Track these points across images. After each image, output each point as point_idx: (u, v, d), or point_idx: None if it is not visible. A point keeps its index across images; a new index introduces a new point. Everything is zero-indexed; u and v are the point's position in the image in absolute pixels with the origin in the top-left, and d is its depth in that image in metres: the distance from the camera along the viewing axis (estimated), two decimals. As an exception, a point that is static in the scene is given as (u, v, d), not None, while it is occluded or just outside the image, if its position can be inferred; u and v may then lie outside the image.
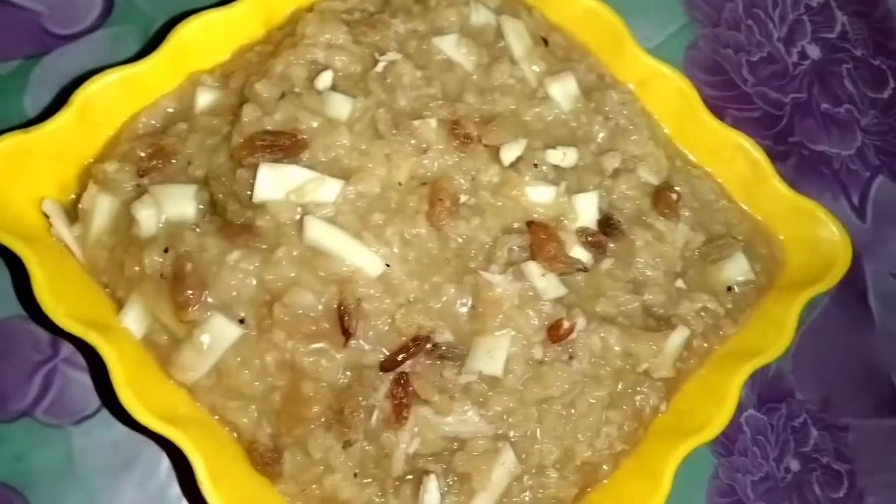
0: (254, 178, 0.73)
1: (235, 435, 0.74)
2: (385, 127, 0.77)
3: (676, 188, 0.87)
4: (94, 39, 0.95)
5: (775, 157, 0.92)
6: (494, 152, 0.81)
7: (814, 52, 1.12)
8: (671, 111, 0.91)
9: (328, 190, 0.74)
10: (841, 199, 1.05)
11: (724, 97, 1.07)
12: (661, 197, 0.85)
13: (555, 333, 0.76)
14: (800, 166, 1.06)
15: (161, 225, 0.75)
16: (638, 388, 0.80)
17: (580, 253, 0.80)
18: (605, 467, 0.78)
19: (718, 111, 0.93)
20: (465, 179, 0.80)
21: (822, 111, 1.09)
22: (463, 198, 0.80)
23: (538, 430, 0.76)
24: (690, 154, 0.93)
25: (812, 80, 1.11)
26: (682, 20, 1.10)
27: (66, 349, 0.83)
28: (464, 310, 0.77)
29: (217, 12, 0.82)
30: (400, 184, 0.78)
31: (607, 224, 0.82)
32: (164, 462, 0.81)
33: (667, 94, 0.90)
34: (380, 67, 0.80)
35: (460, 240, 0.78)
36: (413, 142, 0.78)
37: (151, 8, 0.97)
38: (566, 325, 0.76)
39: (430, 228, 0.77)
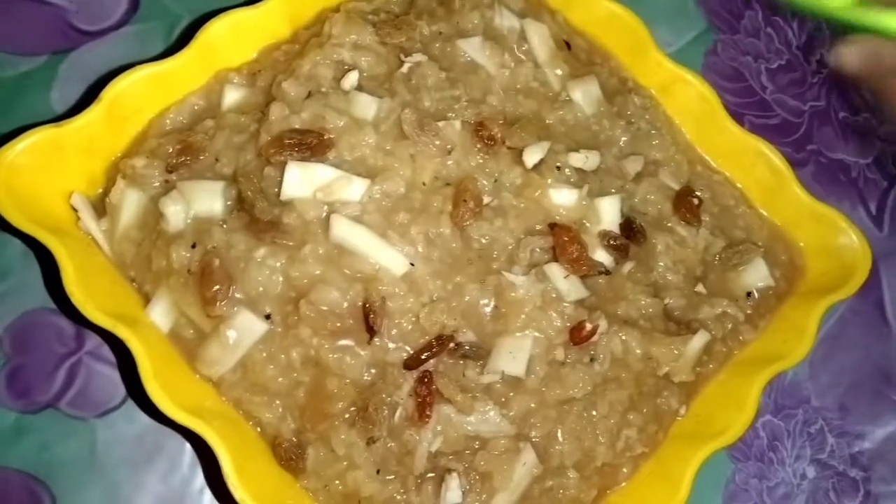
0: (281, 175, 0.74)
1: (259, 430, 0.75)
2: (410, 127, 0.77)
3: (698, 193, 0.87)
4: (120, 36, 0.96)
5: (793, 164, 0.92)
6: (517, 154, 0.82)
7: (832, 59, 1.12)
8: (693, 116, 0.92)
9: (354, 189, 0.75)
10: (858, 208, 1.06)
11: (743, 104, 1.08)
12: (683, 201, 0.86)
13: (577, 335, 0.76)
14: (817, 174, 1.07)
15: (189, 221, 0.75)
16: (658, 392, 0.80)
17: (602, 256, 0.81)
18: (624, 470, 0.79)
19: (737, 118, 0.93)
20: (489, 181, 0.81)
21: (840, 119, 1.10)
22: (486, 199, 0.80)
23: (559, 431, 0.76)
24: (711, 159, 0.93)
25: (831, 89, 1.11)
26: (702, 26, 1.10)
27: (91, 342, 0.83)
28: (486, 310, 0.77)
29: (245, 11, 0.83)
30: (424, 184, 0.79)
31: (629, 227, 0.83)
32: (187, 455, 0.81)
33: (688, 99, 0.91)
34: (405, 68, 0.81)
35: (483, 240, 0.79)
36: (437, 143, 0.78)
37: (177, 5, 0.98)
38: (588, 326, 0.76)
39: (454, 229, 0.78)
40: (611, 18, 0.91)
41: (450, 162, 0.80)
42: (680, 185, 0.88)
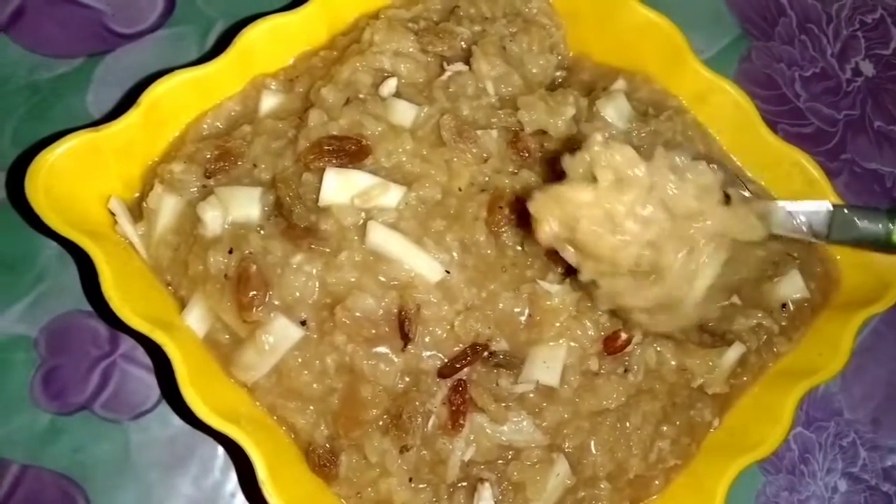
0: (320, 182, 0.74)
1: (293, 436, 0.75)
2: (449, 134, 0.77)
3: None
4: (155, 39, 0.97)
5: (827, 173, 0.91)
6: (553, 164, 0.81)
7: (868, 68, 1.11)
8: (729, 125, 0.91)
9: (391, 195, 0.75)
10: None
11: (777, 112, 1.07)
12: None
13: (611, 345, 0.76)
14: (851, 184, 1.05)
15: (226, 226, 0.75)
16: (691, 404, 0.80)
17: (637, 265, 0.80)
18: (656, 482, 0.78)
19: (770, 126, 0.92)
20: (523, 189, 0.80)
21: (875, 129, 1.08)
22: (520, 206, 0.80)
23: (592, 443, 0.76)
24: (746, 168, 0.92)
25: (865, 97, 1.10)
26: (736, 33, 1.10)
27: (125, 345, 0.84)
28: (521, 318, 0.77)
29: (283, 17, 0.83)
30: (460, 189, 0.78)
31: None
32: (219, 458, 0.82)
33: (724, 107, 0.90)
34: (445, 76, 0.81)
35: (518, 248, 0.79)
36: (475, 150, 0.78)
37: (212, 10, 0.98)
38: (623, 336, 0.76)
39: (489, 236, 0.77)
40: (648, 26, 0.90)
41: (486, 169, 0.79)
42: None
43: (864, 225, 0.66)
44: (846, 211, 0.69)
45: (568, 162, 0.64)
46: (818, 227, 0.67)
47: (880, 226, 0.66)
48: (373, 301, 0.73)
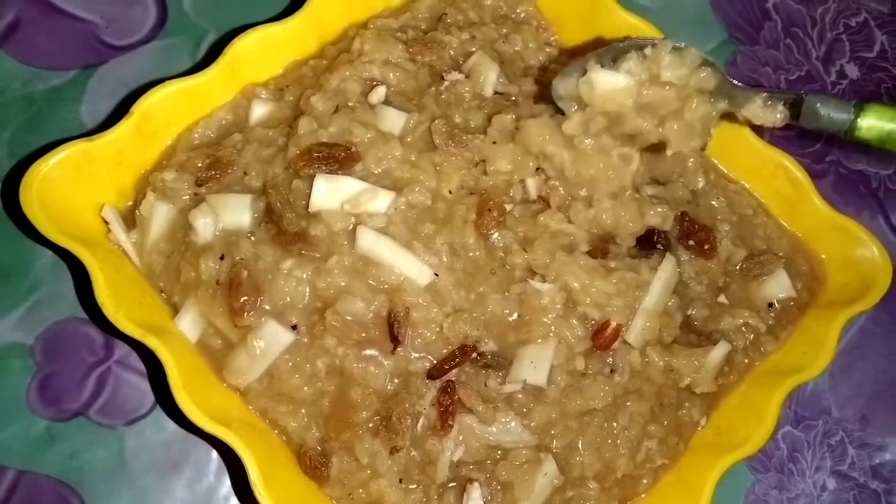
0: (310, 188, 0.75)
1: (284, 439, 0.76)
2: (441, 138, 0.79)
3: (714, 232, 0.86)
4: (147, 50, 0.98)
5: (813, 175, 0.92)
6: None
7: (852, 71, 1.13)
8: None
9: (380, 201, 0.76)
10: (878, 219, 1.06)
11: (762, 115, 1.08)
12: (694, 237, 0.85)
13: (601, 335, 0.77)
14: (837, 185, 1.07)
15: (217, 233, 0.77)
16: (679, 403, 0.81)
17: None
18: (644, 481, 0.79)
19: (756, 128, 0.94)
20: (514, 190, 0.81)
21: (860, 130, 1.09)
22: (508, 207, 0.81)
23: (580, 442, 0.77)
24: (727, 170, 0.93)
25: (850, 99, 1.11)
26: (721, 37, 1.11)
27: (120, 351, 0.85)
28: (509, 319, 0.78)
29: (273, 27, 0.84)
30: (450, 192, 0.80)
31: (652, 235, 0.83)
32: (213, 463, 0.83)
33: (708, 111, 0.91)
34: (444, 86, 0.83)
35: (516, 244, 0.79)
36: (467, 154, 0.79)
37: (204, 21, 1.00)
38: (613, 324, 0.76)
39: (478, 238, 0.79)
40: (631, 31, 0.91)
41: (475, 172, 0.80)
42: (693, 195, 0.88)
43: (829, 113, 0.68)
44: (815, 98, 0.71)
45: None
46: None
47: (845, 116, 0.67)
48: (362, 304, 0.74)
